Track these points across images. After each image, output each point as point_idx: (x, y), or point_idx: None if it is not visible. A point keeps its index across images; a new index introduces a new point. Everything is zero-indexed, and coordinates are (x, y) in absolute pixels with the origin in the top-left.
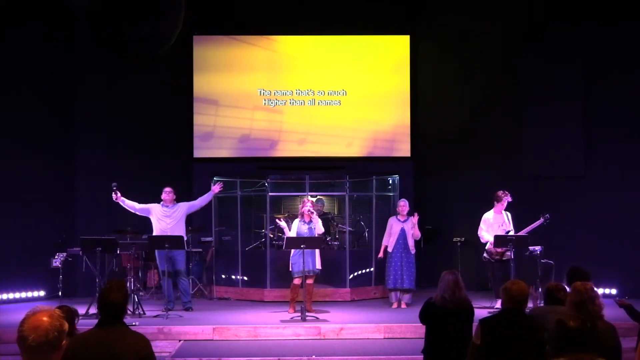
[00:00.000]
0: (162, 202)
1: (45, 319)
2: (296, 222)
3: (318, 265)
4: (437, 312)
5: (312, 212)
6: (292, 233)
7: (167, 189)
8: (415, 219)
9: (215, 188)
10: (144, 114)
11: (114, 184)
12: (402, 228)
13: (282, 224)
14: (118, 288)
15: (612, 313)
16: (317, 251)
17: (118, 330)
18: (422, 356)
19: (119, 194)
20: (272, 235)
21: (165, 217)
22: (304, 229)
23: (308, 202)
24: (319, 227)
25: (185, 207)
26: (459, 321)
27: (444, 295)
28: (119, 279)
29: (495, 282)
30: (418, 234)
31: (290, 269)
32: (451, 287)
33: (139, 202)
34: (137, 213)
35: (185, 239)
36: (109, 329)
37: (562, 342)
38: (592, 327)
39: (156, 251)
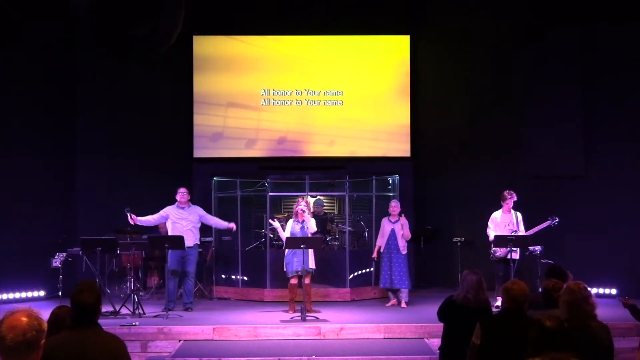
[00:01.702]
0: (176, 203)
1: (23, 319)
2: (290, 222)
3: (312, 265)
4: (457, 310)
5: (304, 212)
6: (286, 233)
7: (182, 190)
8: (403, 219)
9: (233, 225)
10: (144, 114)
11: (126, 209)
12: (392, 229)
13: (276, 224)
14: (89, 289)
15: (612, 313)
16: (311, 250)
17: (91, 332)
18: (439, 353)
19: (133, 216)
20: (272, 235)
21: (181, 219)
22: (297, 228)
23: (302, 201)
24: (311, 227)
25: (200, 212)
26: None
27: (467, 296)
28: (89, 280)
29: (497, 281)
30: (408, 235)
31: (285, 269)
32: (475, 287)
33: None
34: (156, 224)
35: (197, 243)
36: (81, 331)
37: (538, 342)
38: (574, 328)
39: (170, 250)
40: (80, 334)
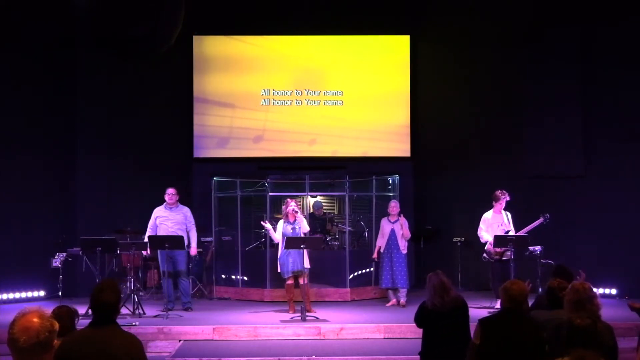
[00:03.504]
0: (165, 204)
1: (35, 320)
2: (281, 223)
3: (306, 264)
4: (432, 315)
5: (296, 212)
6: (277, 234)
7: (170, 191)
8: (402, 219)
9: (193, 251)
10: (144, 114)
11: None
12: (392, 229)
13: (267, 225)
14: (111, 288)
15: (612, 313)
16: (305, 250)
17: (111, 330)
18: (419, 358)
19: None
20: None
21: (166, 220)
22: (288, 229)
23: (292, 202)
24: (304, 226)
25: (186, 214)
26: (455, 321)
27: (434, 302)
28: (111, 279)
29: (495, 282)
30: (408, 234)
31: (279, 270)
32: (439, 291)
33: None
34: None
35: (185, 243)
36: (101, 328)
37: (568, 340)
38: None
39: (158, 251)
40: (99, 331)
